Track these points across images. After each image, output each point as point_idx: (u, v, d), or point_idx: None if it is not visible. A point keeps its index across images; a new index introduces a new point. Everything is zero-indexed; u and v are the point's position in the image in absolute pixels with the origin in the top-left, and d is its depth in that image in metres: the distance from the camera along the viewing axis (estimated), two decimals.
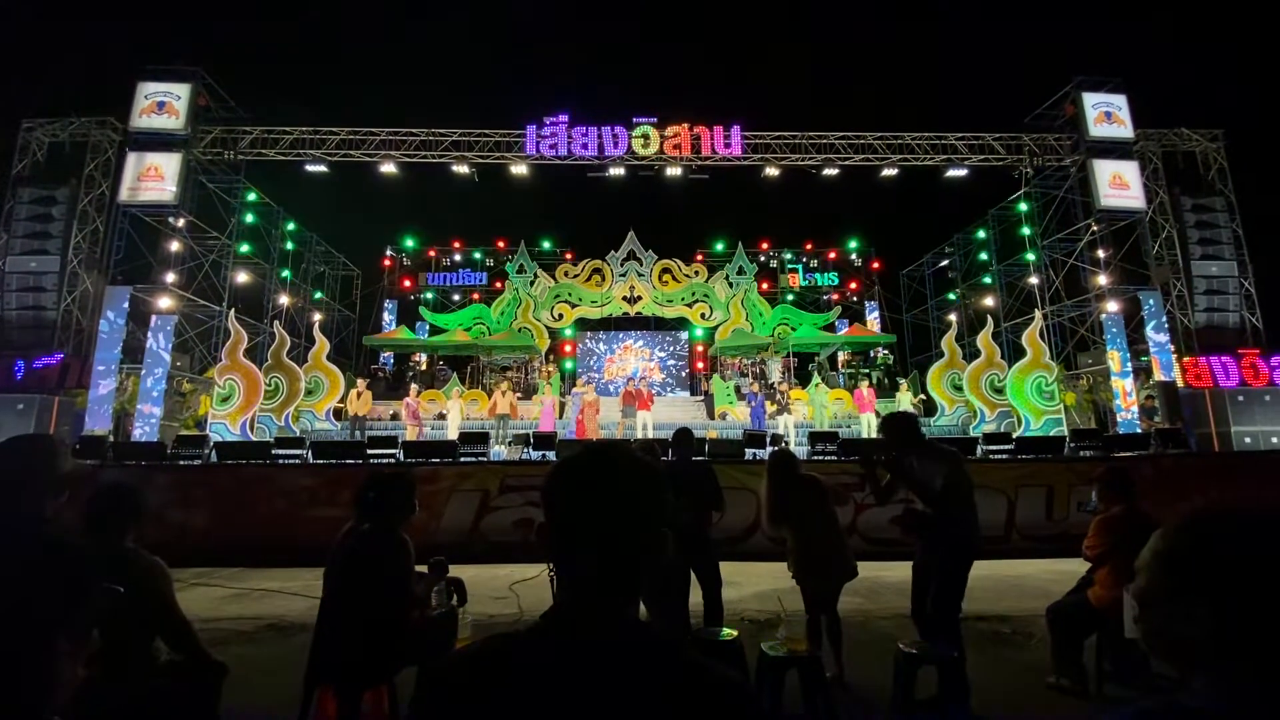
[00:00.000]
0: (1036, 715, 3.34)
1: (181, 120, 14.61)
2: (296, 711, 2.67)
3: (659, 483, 0.89)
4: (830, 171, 16.44)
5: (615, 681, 0.76)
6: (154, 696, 2.16)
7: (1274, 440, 12.73)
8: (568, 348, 22.32)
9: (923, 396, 15.97)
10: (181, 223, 14.77)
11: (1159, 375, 14.13)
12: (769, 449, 10.38)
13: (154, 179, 14.31)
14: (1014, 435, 11.66)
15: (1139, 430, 12.81)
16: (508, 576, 6.25)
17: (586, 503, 0.86)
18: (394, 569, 2.66)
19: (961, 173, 16.63)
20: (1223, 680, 0.74)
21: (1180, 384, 13.96)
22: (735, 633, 3.22)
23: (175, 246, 14.68)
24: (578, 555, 0.85)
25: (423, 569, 3.05)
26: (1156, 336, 14.49)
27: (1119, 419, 14.19)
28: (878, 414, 14.44)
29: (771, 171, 16.35)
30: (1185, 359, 14.49)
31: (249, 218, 17.32)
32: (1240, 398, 13.27)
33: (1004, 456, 9.27)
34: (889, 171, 16.47)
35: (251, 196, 17.35)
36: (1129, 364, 14.50)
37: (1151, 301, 14.76)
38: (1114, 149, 15.50)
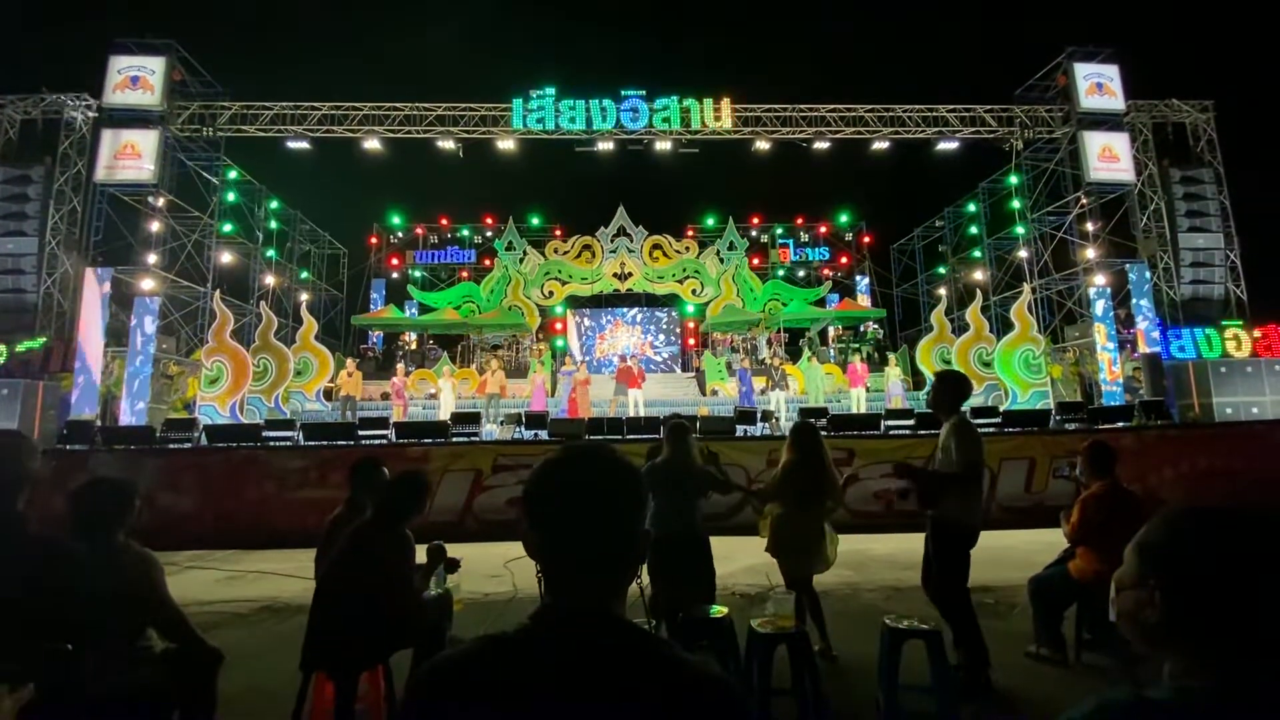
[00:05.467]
0: (1017, 683, 3.45)
1: (157, 96, 14.21)
2: (294, 693, 2.72)
3: (637, 483, 0.90)
4: (821, 145, 16.29)
5: (603, 683, 0.77)
6: (151, 685, 2.18)
7: (1254, 411, 12.97)
8: (559, 325, 22.24)
9: (901, 372, 16.08)
10: (161, 202, 14.47)
11: (1144, 347, 14.30)
12: (761, 424, 10.46)
13: (131, 157, 13.97)
14: (1001, 409, 11.82)
15: (1123, 402, 13.00)
16: (502, 555, 6.31)
17: (569, 507, 0.86)
18: (396, 566, 2.68)
19: (952, 145, 16.54)
20: (1180, 669, 0.78)
21: (1164, 356, 14.14)
22: (725, 609, 3.28)
23: (156, 226, 14.40)
24: (561, 558, 0.87)
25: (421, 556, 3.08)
26: (1142, 309, 14.63)
27: (1104, 391, 14.40)
28: (867, 388, 14.58)
29: (762, 145, 16.18)
30: (1170, 331, 14.66)
31: (231, 196, 16.98)
32: (1223, 369, 13.46)
33: (991, 430, 9.40)
34: (880, 145, 16.34)
35: (233, 174, 17.00)
36: (1115, 336, 14.66)
37: (1137, 274, 14.87)
38: (1104, 121, 15.45)
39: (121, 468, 7.57)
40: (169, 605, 2.32)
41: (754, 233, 23.68)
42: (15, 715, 1.41)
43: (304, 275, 21.65)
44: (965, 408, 3.72)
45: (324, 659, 2.65)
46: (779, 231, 24.37)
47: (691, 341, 22.09)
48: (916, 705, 3.06)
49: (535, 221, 23.21)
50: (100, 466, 7.58)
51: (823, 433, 8.95)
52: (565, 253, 21.67)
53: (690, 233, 22.95)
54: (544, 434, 9.40)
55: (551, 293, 21.39)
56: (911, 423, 9.25)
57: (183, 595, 2.48)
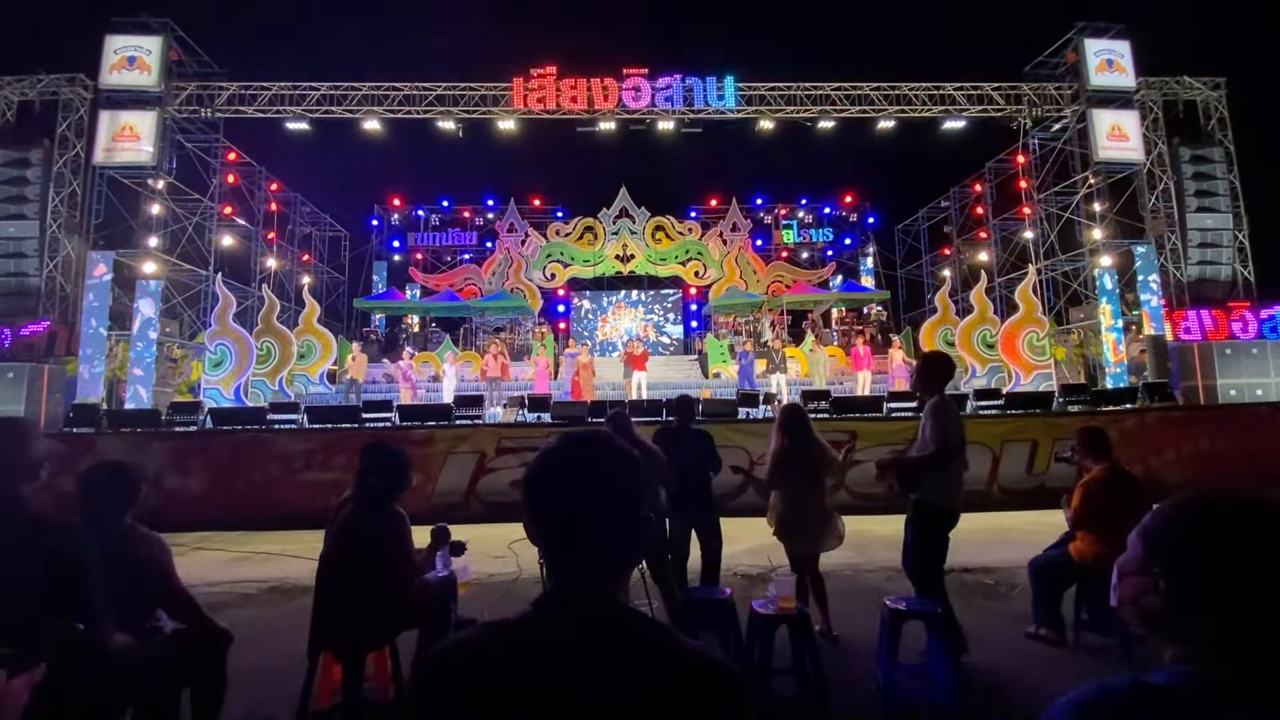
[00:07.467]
0: (1016, 663, 3.49)
1: (154, 76, 14.06)
2: (302, 672, 2.76)
3: (637, 472, 0.90)
4: (826, 124, 16.07)
5: (604, 670, 0.78)
6: (161, 665, 2.22)
7: (1259, 393, 12.92)
8: (560, 308, 22.19)
9: (905, 354, 16.04)
10: (161, 184, 14.39)
11: (1149, 329, 14.22)
12: (763, 406, 10.48)
13: (129, 139, 13.86)
14: (1004, 390, 11.81)
15: (1128, 384, 12.96)
16: (506, 536, 6.35)
17: (570, 497, 0.87)
18: (392, 545, 2.70)
19: (959, 124, 16.30)
20: (1181, 655, 0.78)
21: (1170, 337, 14.07)
22: (728, 590, 3.32)
23: (156, 209, 14.33)
24: (562, 547, 0.87)
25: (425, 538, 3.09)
26: (1148, 290, 14.52)
27: (1108, 373, 14.35)
28: (872, 370, 14.55)
29: (766, 124, 15.98)
30: (1176, 312, 14.56)
31: (230, 178, 16.89)
32: (1228, 350, 13.39)
33: (994, 412, 9.41)
34: (886, 124, 16.11)
35: (232, 156, 16.89)
36: (1120, 318, 14.58)
37: (1145, 255, 14.74)
38: (1114, 98, 15.19)
39: (128, 451, 7.63)
40: (177, 588, 2.35)
41: (757, 214, 23.49)
42: (29, 694, 1.44)
43: (305, 258, 21.57)
44: (968, 390, 3.75)
45: (331, 640, 2.69)
46: (782, 212, 24.19)
47: (694, 324, 22.00)
48: (915, 685, 3.10)
49: (537, 203, 23.04)
50: (107, 450, 7.65)
51: (825, 415, 9.01)
52: (567, 234, 21.56)
53: (693, 213, 22.78)
54: (547, 416, 9.44)
55: (553, 275, 21.34)
56: (915, 405, 9.26)
57: (191, 576, 2.51)
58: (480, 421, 9.11)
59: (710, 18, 36.44)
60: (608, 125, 15.91)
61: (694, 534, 4.29)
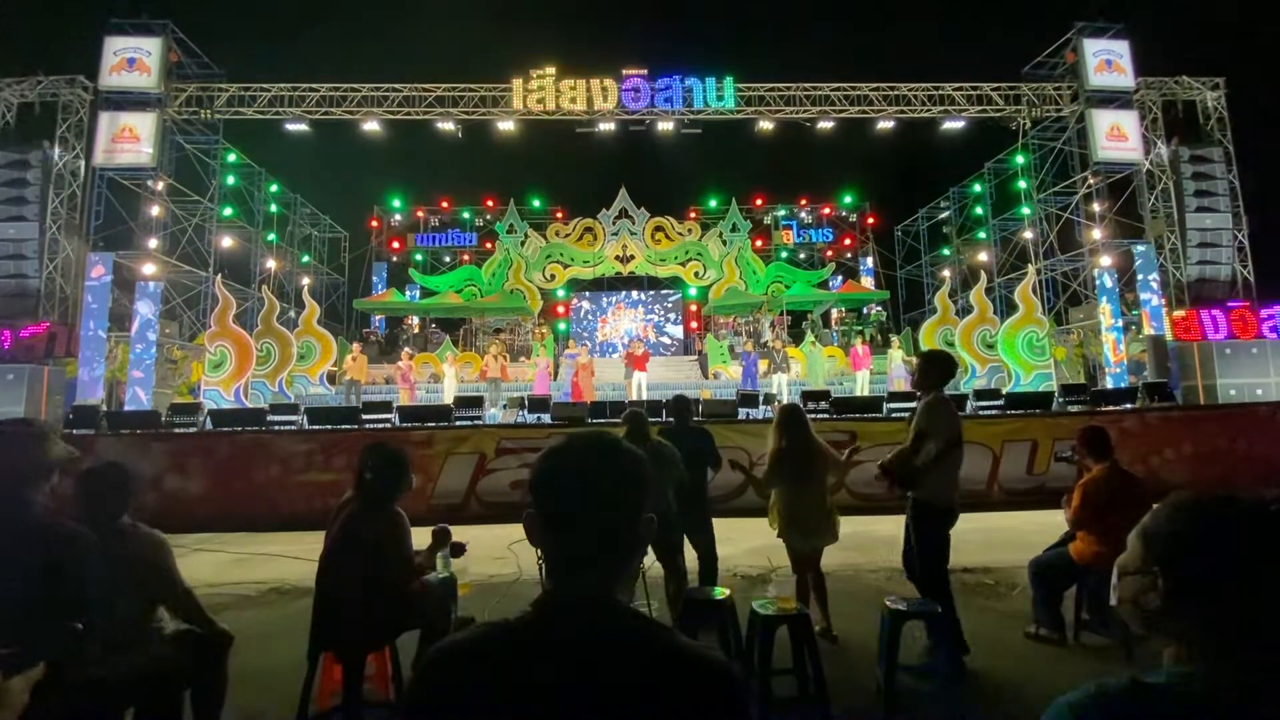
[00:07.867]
0: (1016, 663, 3.48)
1: (154, 78, 14.07)
2: (302, 672, 2.76)
3: (643, 473, 0.90)
4: (825, 124, 16.09)
5: (603, 670, 0.78)
6: (162, 666, 2.22)
7: (1258, 392, 12.92)
8: (560, 309, 22.20)
9: (904, 354, 16.04)
10: (160, 186, 14.39)
11: (1149, 329, 14.23)
12: (763, 406, 10.47)
13: (129, 140, 13.87)
14: (1004, 390, 11.81)
15: (1126, 384, 12.96)
16: (506, 536, 6.33)
17: (573, 497, 0.87)
18: (391, 546, 2.70)
19: (959, 125, 16.32)
20: (1180, 655, 0.79)
21: (1170, 337, 14.06)
22: (728, 591, 3.32)
23: (156, 210, 14.34)
24: (567, 547, 0.87)
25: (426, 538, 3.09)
26: (1148, 290, 14.53)
27: (1108, 373, 14.35)
28: (871, 370, 14.55)
29: (765, 125, 15.99)
30: (1175, 312, 14.56)
31: (230, 179, 16.89)
32: (1228, 350, 13.38)
33: (994, 412, 9.41)
34: (885, 124, 16.12)
35: (232, 158, 16.90)
36: (1120, 318, 14.58)
37: (1145, 254, 14.74)
38: (1114, 99, 15.22)
39: (128, 453, 7.63)
40: (179, 585, 2.36)
41: (757, 214, 23.49)
42: (29, 694, 1.44)
43: (305, 259, 21.58)
44: (967, 389, 3.77)
45: (331, 641, 2.69)
46: (782, 213, 24.19)
47: (694, 325, 22.01)
48: (916, 685, 3.10)
49: (536, 203, 23.04)
50: (106, 451, 7.64)
51: (825, 415, 9.00)
52: (567, 235, 21.55)
53: (693, 214, 22.78)
54: (547, 417, 9.43)
55: (553, 275, 21.33)
56: (914, 405, 9.25)
57: (192, 577, 2.51)
58: (480, 422, 9.10)
59: (710, 18, 36.48)
60: (607, 126, 15.92)
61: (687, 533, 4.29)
